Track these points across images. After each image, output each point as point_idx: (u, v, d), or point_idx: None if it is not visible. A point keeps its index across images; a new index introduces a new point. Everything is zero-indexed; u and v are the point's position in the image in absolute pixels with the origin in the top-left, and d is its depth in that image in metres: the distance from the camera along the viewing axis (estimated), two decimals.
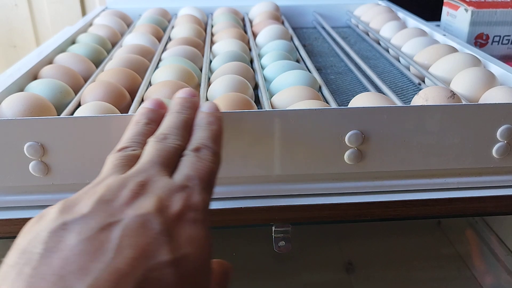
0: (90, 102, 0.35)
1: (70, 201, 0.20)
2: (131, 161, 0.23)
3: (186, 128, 0.25)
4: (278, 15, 0.65)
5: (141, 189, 0.20)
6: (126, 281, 0.17)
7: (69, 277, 0.17)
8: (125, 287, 0.17)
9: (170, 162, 0.23)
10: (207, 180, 0.22)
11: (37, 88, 0.38)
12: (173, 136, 0.24)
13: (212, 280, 0.21)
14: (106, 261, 0.17)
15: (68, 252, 0.17)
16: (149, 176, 0.21)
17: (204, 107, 0.27)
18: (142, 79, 0.42)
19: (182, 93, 0.28)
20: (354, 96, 0.38)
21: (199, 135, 0.25)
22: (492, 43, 0.60)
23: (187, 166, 0.23)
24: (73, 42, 0.53)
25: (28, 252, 0.18)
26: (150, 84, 0.42)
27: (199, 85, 0.41)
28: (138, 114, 0.27)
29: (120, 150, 0.24)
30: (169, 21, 0.64)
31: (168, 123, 0.25)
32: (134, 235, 0.18)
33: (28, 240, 0.18)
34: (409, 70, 0.48)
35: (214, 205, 0.33)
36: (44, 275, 0.17)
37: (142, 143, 0.25)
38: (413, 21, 0.60)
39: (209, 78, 0.43)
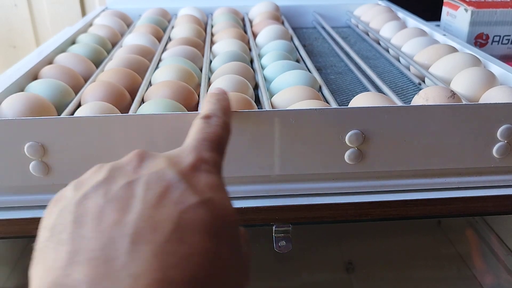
0: (90, 102, 0.35)
1: (81, 179, 0.21)
2: None
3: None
4: (278, 15, 0.65)
5: (147, 153, 0.21)
6: (164, 225, 0.17)
7: (108, 231, 0.17)
8: (164, 231, 0.17)
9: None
10: (217, 142, 0.23)
11: (37, 88, 0.38)
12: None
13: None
14: (138, 211, 0.18)
15: (98, 213, 0.18)
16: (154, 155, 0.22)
17: (213, 90, 0.28)
18: (142, 79, 0.42)
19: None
20: (354, 96, 0.38)
21: (209, 107, 0.25)
22: (492, 43, 0.60)
23: (196, 131, 0.23)
24: (73, 42, 0.53)
25: (58, 225, 0.18)
26: (150, 84, 0.42)
27: (199, 85, 0.41)
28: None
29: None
30: (169, 21, 0.64)
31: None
32: (156, 187, 0.19)
33: (54, 218, 0.19)
34: (409, 70, 0.48)
35: None
36: (83, 235, 0.17)
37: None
38: (413, 21, 0.60)
39: (209, 78, 0.43)
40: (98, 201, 0.18)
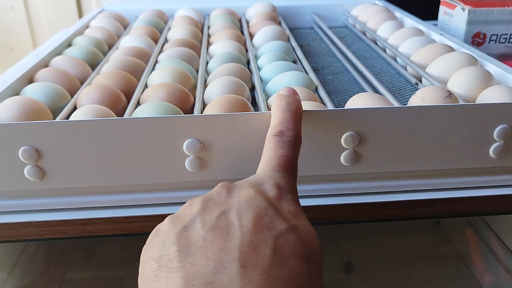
0: (86, 105, 0.35)
1: (176, 213, 0.22)
2: None
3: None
4: (275, 16, 0.64)
5: (232, 185, 0.23)
6: (264, 250, 0.19)
7: (215, 257, 0.19)
8: (265, 255, 0.18)
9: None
10: (291, 166, 0.24)
11: (32, 91, 0.38)
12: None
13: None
14: (238, 238, 0.19)
15: (202, 242, 0.19)
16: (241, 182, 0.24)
17: (283, 90, 0.29)
18: (138, 81, 0.42)
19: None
20: (351, 96, 0.37)
21: (280, 117, 0.27)
22: (489, 42, 0.60)
23: (270, 154, 0.25)
24: (70, 45, 0.52)
25: (165, 255, 0.20)
26: (146, 86, 0.41)
27: (195, 87, 0.41)
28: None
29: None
30: (165, 23, 0.64)
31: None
32: (248, 214, 0.20)
33: (158, 249, 0.20)
34: (406, 70, 0.48)
35: None
36: (192, 263, 0.19)
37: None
38: (410, 21, 0.60)
39: (205, 80, 0.43)
40: (198, 231, 0.20)
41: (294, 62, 0.49)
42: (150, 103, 0.35)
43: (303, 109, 0.29)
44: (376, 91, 0.42)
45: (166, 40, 0.55)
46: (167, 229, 0.21)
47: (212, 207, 0.21)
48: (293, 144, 0.25)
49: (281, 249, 0.19)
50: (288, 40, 0.56)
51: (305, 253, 0.19)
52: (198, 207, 0.21)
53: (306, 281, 0.18)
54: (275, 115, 0.27)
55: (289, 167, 0.24)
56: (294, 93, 0.29)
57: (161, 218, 0.32)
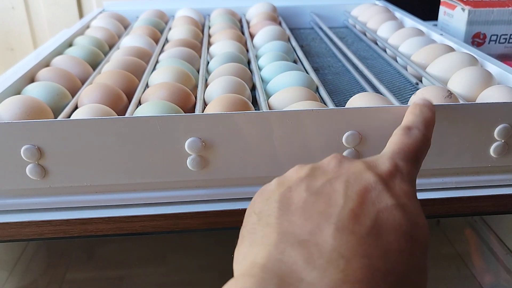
0: (87, 105, 0.35)
1: (284, 175, 0.23)
2: None
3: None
4: (275, 16, 0.65)
5: (344, 157, 0.23)
6: (364, 220, 0.19)
7: (314, 218, 0.19)
8: (364, 224, 0.18)
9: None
10: (414, 154, 0.24)
11: (34, 91, 0.38)
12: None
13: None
14: (340, 205, 0.19)
15: (303, 204, 0.20)
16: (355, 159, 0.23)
17: (419, 100, 0.29)
18: (139, 81, 0.42)
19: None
20: (352, 96, 0.38)
21: (411, 119, 0.26)
22: (489, 42, 0.60)
23: (395, 141, 0.24)
24: (70, 45, 0.53)
25: (266, 211, 0.21)
26: (147, 86, 0.41)
27: (196, 86, 0.41)
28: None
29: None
30: (166, 23, 0.64)
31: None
32: (356, 185, 0.20)
33: (261, 205, 0.21)
34: (406, 70, 0.48)
35: (213, 207, 0.33)
36: (290, 221, 0.19)
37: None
38: (410, 21, 0.60)
39: (206, 80, 0.43)
40: (301, 193, 0.20)
41: (295, 62, 0.49)
42: (151, 103, 0.35)
43: (304, 109, 0.30)
44: (376, 91, 0.42)
45: (166, 40, 0.56)
46: (273, 188, 0.22)
47: (320, 174, 0.22)
48: (420, 139, 0.24)
49: (383, 223, 0.19)
50: (289, 40, 0.56)
51: (410, 232, 0.19)
52: (306, 172, 0.22)
53: (406, 258, 0.18)
54: (406, 117, 0.27)
55: (412, 156, 0.23)
56: (430, 105, 0.28)
57: (162, 217, 0.32)
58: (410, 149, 0.24)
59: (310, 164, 0.23)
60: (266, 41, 0.53)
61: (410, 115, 0.27)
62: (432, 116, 0.27)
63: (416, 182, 0.34)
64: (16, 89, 0.39)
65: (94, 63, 0.47)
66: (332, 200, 0.20)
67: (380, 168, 0.22)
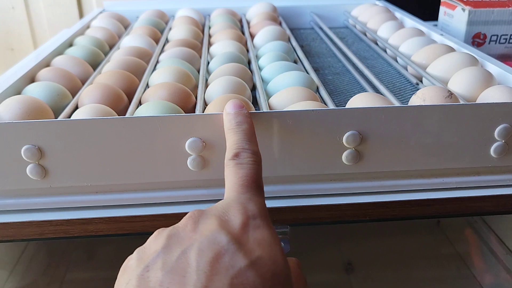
0: (88, 105, 0.35)
1: (144, 246, 0.22)
2: None
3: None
4: (276, 16, 0.65)
5: (200, 215, 0.22)
6: None
7: None
8: None
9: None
10: (255, 185, 0.24)
11: (34, 91, 0.38)
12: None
13: (292, 274, 0.22)
14: (193, 283, 0.19)
15: (159, 287, 0.19)
16: (208, 211, 0.23)
17: (229, 107, 0.29)
18: (140, 81, 0.42)
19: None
20: (352, 96, 0.38)
21: (233, 139, 0.27)
22: (489, 43, 0.60)
23: (232, 177, 0.24)
24: (71, 45, 0.53)
25: None
26: (147, 86, 0.41)
27: (196, 86, 0.41)
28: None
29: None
30: (166, 23, 0.64)
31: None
32: (208, 253, 0.20)
33: None
34: (406, 70, 0.48)
35: None
36: None
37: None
38: (410, 21, 0.60)
39: (206, 80, 0.43)
40: (157, 274, 0.20)
41: (295, 62, 0.49)
42: (152, 103, 0.35)
43: (304, 109, 0.30)
44: (376, 91, 0.42)
45: (167, 40, 0.56)
46: (133, 267, 0.21)
47: (175, 244, 0.21)
48: (252, 163, 0.25)
49: None
50: (289, 40, 0.56)
51: (269, 285, 0.19)
52: (163, 243, 0.21)
53: None
54: (228, 139, 0.27)
55: (253, 187, 0.24)
56: (241, 106, 0.29)
57: (162, 217, 0.32)
58: (249, 180, 0.24)
59: (167, 230, 0.22)
60: (266, 41, 0.53)
61: (230, 134, 0.27)
62: (249, 121, 0.28)
63: (416, 182, 0.34)
64: (17, 89, 0.39)
65: (94, 63, 0.47)
66: (187, 278, 0.19)
67: (232, 223, 0.21)
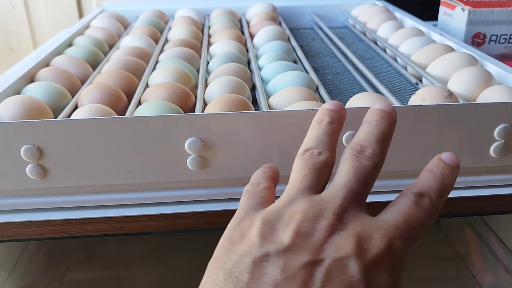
0: (87, 105, 0.35)
1: (269, 222, 0.20)
2: (320, 171, 0.23)
3: (384, 142, 0.24)
4: (275, 16, 0.65)
5: (338, 222, 0.20)
6: None
7: None
8: None
9: (367, 186, 0.23)
10: (418, 232, 0.21)
11: (34, 91, 0.38)
12: (369, 149, 0.23)
13: None
14: None
15: (273, 287, 0.18)
16: (346, 207, 0.21)
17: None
18: (139, 81, 0.42)
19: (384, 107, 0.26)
20: (352, 96, 0.38)
21: (426, 182, 0.23)
22: (489, 43, 0.60)
23: (401, 211, 0.21)
24: (70, 45, 0.53)
25: (234, 277, 0.19)
26: (147, 86, 0.41)
27: (196, 86, 0.41)
28: (319, 114, 0.26)
29: (306, 151, 0.24)
30: (166, 23, 0.64)
31: (363, 134, 0.24)
32: (335, 281, 0.18)
33: (233, 262, 0.20)
34: (406, 70, 0.48)
35: (213, 207, 0.33)
36: None
37: (327, 143, 0.24)
38: (410, 21, 0.60)
39: (206, 80, 0.43)
40: (276, 273, 0.19)
41: (295, 62, 0.49)
42: (152, 103, 0.35)
43: (304, 109, 0.29)
44: (376, 91, 0.42)
45: (166, 40, 0.56)
46: (254, 243, 0.20)
47: (304, 247, 0.19)
48: (431, 213, 0.22)
49: None
50: (289, 40, 0.56)
51: None
52: (290, 237, 0.19)
53: None
54: (421, 178, 0.24)
55: (415, 234, 0.21)
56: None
57: (162, 217, 0.32)
58: (415, 225, 0.21)
59: (299, 220, 0.20)
60: (266, 41, 0.53)
61: (426, 175, 0.23)
62: (452, 183, 0.23)
63: None
64: (16, 89, 0.39)
65: (94, 63, 0.47)
66: None
67: (371, 251, 0.19)
